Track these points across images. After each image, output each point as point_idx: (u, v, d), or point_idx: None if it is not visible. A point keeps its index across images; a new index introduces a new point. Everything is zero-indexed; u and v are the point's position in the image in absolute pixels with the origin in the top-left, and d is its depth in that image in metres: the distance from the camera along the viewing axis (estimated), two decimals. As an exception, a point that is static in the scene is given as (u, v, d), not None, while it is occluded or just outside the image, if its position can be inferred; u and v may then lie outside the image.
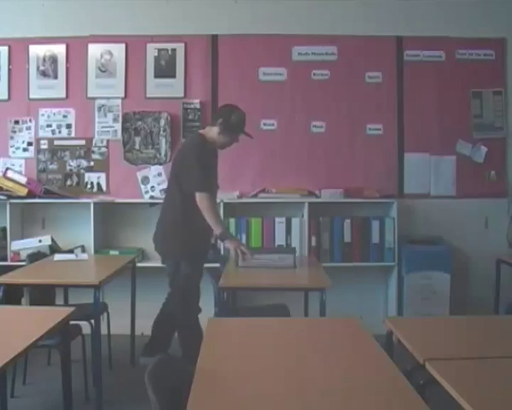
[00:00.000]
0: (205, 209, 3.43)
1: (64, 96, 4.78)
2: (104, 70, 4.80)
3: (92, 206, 4.52)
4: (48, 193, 4.62)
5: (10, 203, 4.51)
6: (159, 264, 3.86)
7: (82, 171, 4.81)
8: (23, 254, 4.28)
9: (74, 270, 3.70)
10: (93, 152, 4.80)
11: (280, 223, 4.59)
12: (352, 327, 2.33)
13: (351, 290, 4.66)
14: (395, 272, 4.61)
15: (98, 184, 4.80)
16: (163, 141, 4.77)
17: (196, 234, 3.54)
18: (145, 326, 3.93)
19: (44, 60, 4.79)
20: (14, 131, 4.79)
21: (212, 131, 3.62)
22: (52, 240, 4.51)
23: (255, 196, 4.65)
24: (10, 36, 4.72)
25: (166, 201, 3.71)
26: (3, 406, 2.92)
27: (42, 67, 4.79)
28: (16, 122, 4.79)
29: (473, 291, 4.77)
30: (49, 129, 4.79)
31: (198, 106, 4.75)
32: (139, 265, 4.31)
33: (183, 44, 4.77)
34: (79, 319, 3.16)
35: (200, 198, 3.43)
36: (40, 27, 4.71)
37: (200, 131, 3.83)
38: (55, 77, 4.79)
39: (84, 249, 4.57)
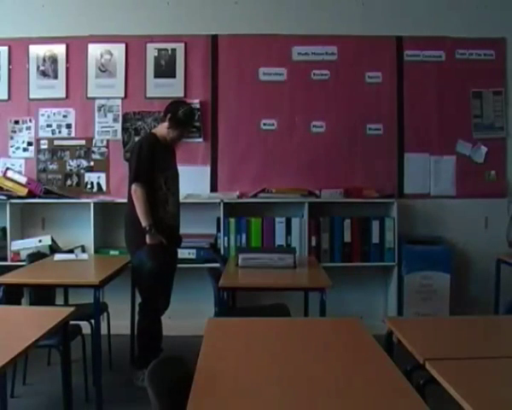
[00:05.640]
0: (135, 199, 3.53)
1: (64, 96, 4.78)
2: (104, 70, 4.80)
3: (92, 206, 4.52)
4: (48, 193, 4.62)
5: (10, 203, 4.51)
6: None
7: (82, 171, 4.81)
8: (23, 254, 4.28)
9: (74, 270, 3.70)
10: (93, 152, 4.80)
11: (280, 223, 4.59)
12: (352, 327, 2.33)
13: (351, 290, 4.67)
14: (395, 272, 4.61)
15: (98, 184, 4.80)
16: (163, 141, 4.77)
17: (157, 226, 3.56)
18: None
19: (44, 60, 4.79)
20: (14, 131, 4.79)
21: (163, 128, 3.74)
22: (52, 240, 4.51)
23: (255, 196, 4.64)
24: (10, 36, 4.72)
25: (128, 197, 3.72)
26: (3, 406, 2.93)
27: (42, 67, 4.79)
28: (16, 122, 4.79)
29: (473, 291, 4.77)
30: (49, 129, 4.79)
31: (198, 106, 4.75)
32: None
33: (183, 44, 4.77)
34: (79, 319, 3.16)
35: (134, 189, 3.54)
36: (40, 27, 4.71)
37: (153, 130, 3.97)
38: (55, 77, 4.79)
39: (84, 249, 4.57)
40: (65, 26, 4.72)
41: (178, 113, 3.68)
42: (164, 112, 3.81)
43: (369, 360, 1.93)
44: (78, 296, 3.77)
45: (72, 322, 2.60)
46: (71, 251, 4.27)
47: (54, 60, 4.79)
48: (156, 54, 4.79)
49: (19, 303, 3.42)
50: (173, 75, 4.79)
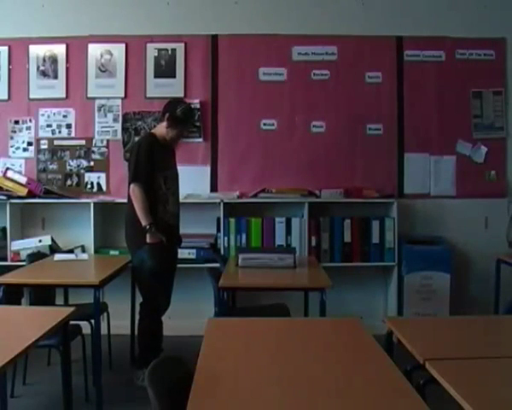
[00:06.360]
0: (134, 199, 3.54)
1: (64, 96, 4.78)
2: (104, 70, 4.80)
3: (92, 206, 4.52)
4: (48, 193, 4.62)
5: (10, 203, 4.51)
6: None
7: (82, 171, 4.81)
8: (23, 254, 4.28)
9: (74, 270, 3.70)
10: (93, 152, 4.80)
11: (280, 223, 4.59)
12: (352, 327, 2.33)
13: (351, 290, 4.67)
14: (395, 272, 4.61)
15: (98, 184, 4.80)
16: (163, 141, 4.77)
17: (157, 225, 3.56)
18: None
19: (44, 60, 4.79)
20: (14, 131, 4.79)
21: (162, 127, 3.74)
22: (52, 240, 4.51)
23: (255, 196, 4.64)
24: (10, 36, 4.72)
25: (128, 197, 3.72)
26: (3, 406, 2.93)
27: (42, 67, 4.79)
28: (16, 122, 4.79)
29: (473, 291, 4.77)
30: (49, 129, 4.79)
31: (198, 106, 4.75)
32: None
33: (183, 44, 4.77)
34: (79, 319, 3.16)
35: (132, 188, 3.55)
36: (40, 27, 4.71)
37: (152, 130, 3.98)
38: (55, 77, 4.79)
39: (84, 249, 4.57)
40: (65, 26, 4.72)
41: (177, 111, 3.68)
42: (162, 111, 3.81)
43: (369, 360, 1.93)
44: (78, 296, 3.77)
45: (72, 322, 2.60)
46: (71, 251, 4.27)
47: (54, 60, 4.79)
48: (156, 54, 4.79)
49: (19, 303, 3.42)
50: (173, 75, 4.78)
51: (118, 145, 4.79)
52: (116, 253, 4.47)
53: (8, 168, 4.68)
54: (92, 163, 4.80)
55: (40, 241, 4.48)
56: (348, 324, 2.40)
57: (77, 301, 3.65)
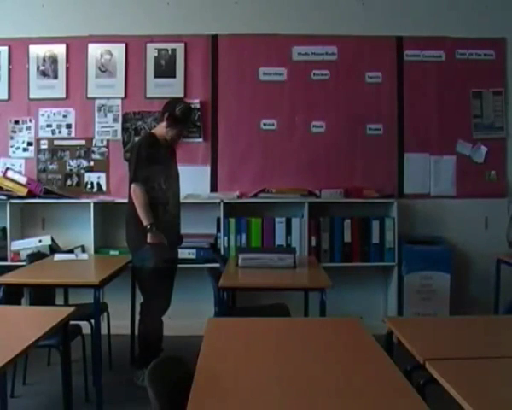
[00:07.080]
0: (135, 199, 3.55)
1: (64, 96, 4.78)
2: (104, 70, 4.80)
3: (92, 206, 4.52)
4: (48, 193, 4.62)
5: (10, 203, 4.51)
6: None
7: (82, 171, 4.81)
8: (23, 254, 4.28)
9: (74, 270, 3.70)
10: (93, 152, 4.80)
11: (280, 223, 4.59)
12: (351, 327, 2.33)
13: (351, 290, 4.66)
14: (395, 272, 4.61)
15: (98, 184, 4.80)
16: (163, 141, 4.77)
17: (158, 225, 3.56)
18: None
19: (44, 60, 4.79)
20: (14, 131, 4.79)
21: (161, 127, 3.75)
22: (52, 240, 4.51)
23: (255, 196, 4.64)
24: (10, 36, 4.72)
25: (128, 197, 3.72)
26: (3, 406, 2.93)
27: (42, 67, 4.79)
28: (16, 122, 4.79)
29: (473, 291, 4.77)
30: (49, 129, 4.79)
31: (198, 106, 4.75)
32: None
33: (183, 44, 4.77)
34: (79, 319, 3.16)
35: (133, 188, 3.57)
36: (40, 27, 4.71)
37: (152, 130, 4.00)
38: (55, 77, 4.79)
39: (84, 249, 4.57)
40: (65, 26, 4.72)
41: (176, 111, 3.69)
42: (161, 111, 3.82)
43: (369, 360, 1.93)
44: (78, 296, 3.77)
45: (72, 322, 2.60)
46: (71, 251, 4.27)
47: (54, 60, 4.79)
48: (156, 54, 4.79)
49: (19, 303, 3.42)
50: (173, 75, 4.78)
51: (118, 145, 4.79)
52: (116, 253, 4.47)
53: (8, 168, 4.68)
54: (92, 163, 4.80)
55: (40, 241, 4.48)
56: (348, 324, 2.40)
57: (77, 301, 3.65)
